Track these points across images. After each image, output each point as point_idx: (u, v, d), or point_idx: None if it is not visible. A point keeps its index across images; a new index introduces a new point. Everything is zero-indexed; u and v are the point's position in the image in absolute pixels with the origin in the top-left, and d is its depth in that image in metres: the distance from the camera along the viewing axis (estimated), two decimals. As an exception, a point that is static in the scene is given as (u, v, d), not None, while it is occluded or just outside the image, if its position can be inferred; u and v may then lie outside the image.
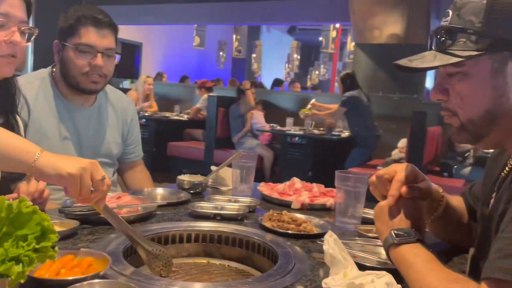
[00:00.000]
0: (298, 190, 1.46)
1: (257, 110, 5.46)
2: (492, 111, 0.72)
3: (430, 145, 3.70)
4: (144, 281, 0.76)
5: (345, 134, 4.79)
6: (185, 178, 1.46)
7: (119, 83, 7.33)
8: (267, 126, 5.27)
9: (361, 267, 0.77)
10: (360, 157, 4.48)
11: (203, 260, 1.06)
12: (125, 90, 5.79)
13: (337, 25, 8.69)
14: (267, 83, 9.54)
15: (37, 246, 0.58)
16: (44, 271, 0.73)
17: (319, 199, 1.40)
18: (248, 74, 12.20)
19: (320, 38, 9.01)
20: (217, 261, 1.06)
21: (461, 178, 3.76)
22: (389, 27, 5.01)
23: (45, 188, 1.14)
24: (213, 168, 1.54)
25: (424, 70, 0.79)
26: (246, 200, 1.31)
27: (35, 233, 0.58)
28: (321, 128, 5.02)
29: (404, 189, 0.83)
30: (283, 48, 13.39)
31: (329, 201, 1.37)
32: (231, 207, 1.21)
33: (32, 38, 1.06)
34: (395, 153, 4.26)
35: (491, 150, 0.90)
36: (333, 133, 4.73)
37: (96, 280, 0.69)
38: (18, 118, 1.20)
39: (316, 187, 1.48)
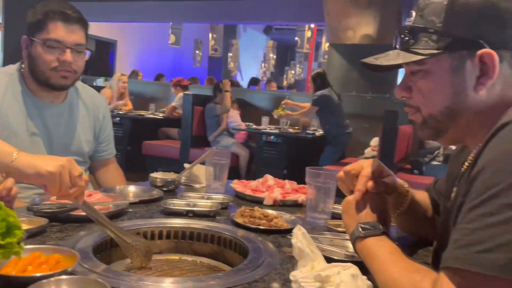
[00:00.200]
0: (271, 187, 1.48)
1: (233, 109, 5.46)
2: (451, 107, 0.75)
3: (402, 144, 3.79)
4: (114, 277, 0.76)
5: (320, 132, 4.86)
6: (157, 175, 1.45)
7: (92, 81, 7.21)
8: (243, 125, 5.29)
9: (330, 260, 0.79)
10: (332, 155, 4.57)
11: (175, 257, 1.06)
12: (99, 88, 5.70)
13: (312, 26, 8.78)
14: (243, 82, 9.55)
15: (1, 242, 0.57)
16: (11, 268, 0.72)
17: (291, 195, 1.42)
18: (225, 73, 12.18)
19: (296, 38, 9.08)
20: (188, 257, 1.06)
21: (431, 176, 3.87)
22: (362, 28, 5.10)
23: (13, 186, 1.12)
24: (186, 165, 1.54)
25: (388, 68, 0.82)
26: (219, 197, 1.32)
27: (0, 229, 0.58)
28: (296, 127, 5.07)
29: (370, 184, 0.85)
30: (259, 47, 13.42)
31: (300, 197, 1.39)
32: (204, 204, 1.21)
33: (-1, 34, 1.04)
34: (368, 152, 4.35)
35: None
36: (308, 131, 4.80)
37: (64, 277, 0.69)
38: None
39: (289, 184, 1.50)
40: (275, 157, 4.67)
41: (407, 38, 0.78)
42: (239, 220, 1.10)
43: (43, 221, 0.98)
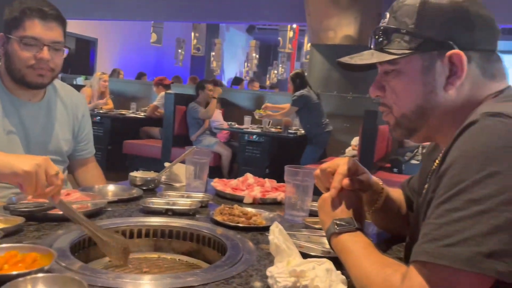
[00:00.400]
0: (251, 185, 1.49)
1: (216, 108, 5.45)
2: (422, 106, 0.78)
3: (381, 143, 3.85)
4: (91, 275, 0.76)
5: (301, 132, 4.90)
6: (137, 174, 1.45)
7: (72, 80, 7.11)
8: (225, 124, 5.29)
9: (306, 256, 0.81)
10: (313, 154, 4.63)
11: (154, 255, 1.06)
12: (79, 87, 5.62)
13: (294, 26, 8.83)
14: (225, 80, 9.55)
15: (-24, 240, 0.57)
16: (-14, 267, 0.71)
17: (270, 193, 1.43)
18: (207, 72, 12.15)
19: (278, 38, 9.12)
20: (167, 256, 1.07)
21: (410, 174, 3.93)
22: (343, 28, 5.15)
23: None
24: (166, 164, 1.54)
25: (363, 67, 0.84)
26: (198, 196, 1.33)
27: (-26, 227, 0.57)
28: (278, 127, 5.11)
29: (345, 181, 0.87)
30: (243, 47, 13.43)
31: (280, 195, 1.41)
32: (183, 203, 1.22)
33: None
34: (349, 151, 4.40)
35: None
36: (290, 131, 4.84)
37: (40, 275, 0.69)
38: None
39: (268, 182, 1.52)
40: (257, 156, 4.69)
41: (381, 38, 0.81)
42: (218, 218, 1.11)
43: (20, 220, 0.97)
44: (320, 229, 1.01)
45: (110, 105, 5.90)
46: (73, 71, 7.84)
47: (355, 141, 4.35)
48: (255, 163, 4.66)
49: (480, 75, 0.76)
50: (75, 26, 8.45)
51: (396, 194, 1.04)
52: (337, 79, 5.16)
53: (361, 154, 3.55)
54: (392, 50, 0.78)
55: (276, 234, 0.80)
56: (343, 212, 0.85)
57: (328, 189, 0.90)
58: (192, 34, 10.35)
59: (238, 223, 1.09)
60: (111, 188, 1.38)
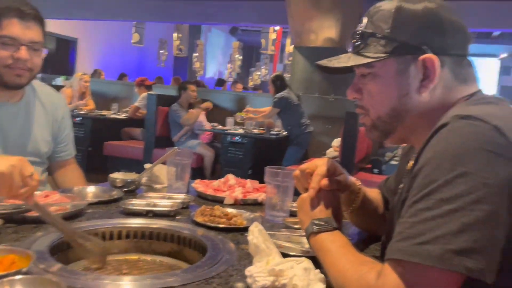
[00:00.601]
0: (232, 186, 1.50)
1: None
2: (397, 108, 0.80)
3: (362, 144, 3.90)
4: (70, 277, 0.76)
5: (284, 133, 4.94)
6: (118, 176, 1.44)
7: (52, 80, 7.01)
8: (208, 125, 5.28)
9: (286, 256, 0.82)
10: (295, 154, 4.69)
11: (134, 257, 1.06)
12: (58, 87, 5.54)
13: (277, 28, 8.87)
14: (211, 82, 9.53)
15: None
16: (-37, 269, 0.71)
17: (251, 194, 1.44)
18: (190, 73, 12.11)
19: (261, 40, 9.16)
20: (148, 257, 1.07)
21: (390, 175, 3.99)
22: (325, 31, 5.21)
23: None
24: (147, 166, 1.53)
25: (341, 70, 0.86)
26: (179, 197, 1.33)
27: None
28: (261, 128, 5.13)
29: (324, 182, 0.89)
30: (226, 48, 13.42)
31: (261, 196, 1.42)
32: (164, 204, 1.22)
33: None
34: (330, 152, 4.45)
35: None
36: (272, 132, 4.86)
37: (18, 277, 0.68)
38: None
39: (250, 183, 1.53)
40: (240, 158, 4.70)
41: (358, 42, 0.83)
42: (199, 219, 1.12)
43: (-3, 222, 0.96)
44: (300, 229, 1.02)
45: (91, 105, 5.83)
46: (52, 71, 7.72)
47: (337, 142, 4.40)
48: (238, 164, 4.67)
49: (452, 78, 0.79)
50: (55, 26, 8.32)
51: (373, 194, 1.06)
52: (319, 81, 5.21)
53: (342, 155, 3.60)
54: (368, 54, 0.80)
55: (256, 234, 0.81)
56: (322, 212, 0.87)
57: (307, 190, 0.92)
58: (175, 35, 10.30)
59: (219, 224, 1.10)
60: (91, 189, 1.37)
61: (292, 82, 5.47)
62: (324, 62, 0.87)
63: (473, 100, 0.77)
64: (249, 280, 0.75)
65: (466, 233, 0.60)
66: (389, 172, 4.26)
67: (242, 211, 1.22)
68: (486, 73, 14.91)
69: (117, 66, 10.27)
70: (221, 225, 1.09)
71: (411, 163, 0.85)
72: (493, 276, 0.61)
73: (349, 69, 0.87)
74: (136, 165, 4.89)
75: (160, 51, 10.78)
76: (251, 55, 15.01)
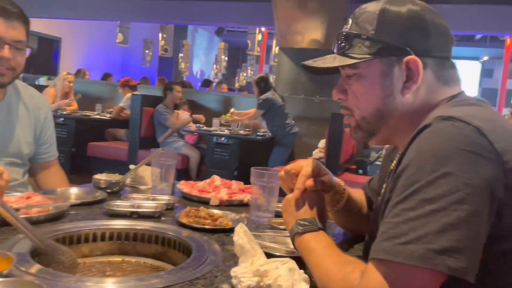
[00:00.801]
0: (218, 187, 1.49)
1: (184, 110, 5.42)
2: (381, 109, 0.81)
3: (347, 145, 3.93)
4: (52, 279, 0.74)
5: (270, 134, 4.95)
6: (101, 177, 1.42)
7: (35, 80, 6.90)
8: (193, 126, 5.26)
9: (271, 256, 0.82)
10: (281, 155, 4.71)
11: (118, 258, 1.05)
12: (41, 87, 5.45)
13: (263, 29, 8.89)
14: (193, 80, 9.50)
15: None
16: None
17: (237, 195, 1.44)
18: (176, 74, 12.05)
19: (247, 41, 9.16)
20: (132, 259, 1.06)
21: (375, 175, 4.04)
22: (310, 32, 5.24)
23: None
24: (131, 167, 1.52)
25: (326, 71, 0.87)
26: (164, 198, 1.32)
27: None
28: (247, 129, 5.13)
29: (308, 182, 0.89)
30: (210, 49, 13.39)
31: (246, 197, 1.42)
32: (149, 205, 1.21)
33: None
34: (316, 153, 4.47)
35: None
36: (258, 133, 4.87)
37: (-2, 279, 0.67)
38: None
39: (235, 184, 1.52)
40: (226, 159, 4.69)
41: (343, 43, 0.84)
42: (184, 220, 1.11)
43: (-23, 224, 0.93)
44: (285, 229, 1.03)
45: (75, 106, 5.75)
46: (35, 71, 7.61)
47: (322, 143, 4.43)
48: (223, 165, 4.66)
49: (435, 80, 0.80)
50: (37, 25, 8.19)
51: (358, 194, 1.07)
52: (305, 82, 5.24)
53: (327, 156, 3.62)
54: (353, 55, 0.81)
55: (241, 235, 0.81)
56: (306, 213, 0.87)
57: (292, 190, 0.92)
58: (160, 35, 10.23)
59: (204, 225, 1.10)
60: (74, 191, 1.35)
61: (278, 83, 5.49)
62: (310, 62, 0.88)
63: (455, 101, 0.79)
64: (234, 281, 0.75)
65: (448, 232, 0.61)
66: (374, 172, 4.29)
67: (228, 212, 1.22)
68: (468, 75, 15.17)
69: (101, 66, 10.16)
70: (206, 226, 1.09)
71: (394, 163, 0.86)
72: (475, 275, 0.62)
73: (334, 70, 0.88)
74: (120, 166, 4.83)
75: (145, 51, 10.70)
76: (237, 56, 15.02)
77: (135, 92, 5.42)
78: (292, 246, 0.90)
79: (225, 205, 1.38)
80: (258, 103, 4.73)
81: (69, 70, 6.77)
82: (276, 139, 4.79)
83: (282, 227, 1.10)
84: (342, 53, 0.83)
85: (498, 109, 10.44)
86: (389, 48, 0.79)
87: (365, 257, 0.85)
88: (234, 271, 0.75)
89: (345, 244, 1.04)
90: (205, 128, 5.27)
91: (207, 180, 1.54)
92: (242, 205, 1.40)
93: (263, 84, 4.80)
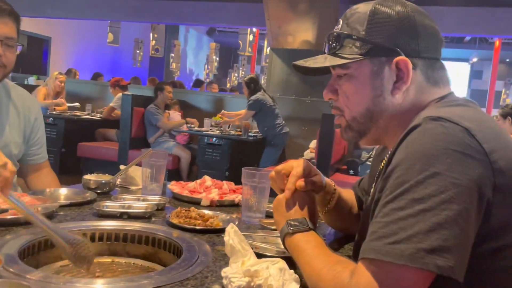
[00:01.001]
0: (208, 188, 1.49)
1: (174, 110, 5.40)
2: (371, 109, 0.82)
3: (338, 145, 3.95)
4: (41, 280, 0.74)
5: (261, 135, 4.95)
6: (91, 177, 1.41)
7: (24, 79, 6.83)
8: (184, 127, 5.25)
9: (261, 257, 0.82)
10: (272, 155, 4.72)
11: (108, 259, 1.04)
12: (30, 87, 5.41)
13: (254, 29, 8.89)
14: (188, 82, 9.47)
15: None
16: None
17: (228, 195, 1.44)
18: (167, 74, 12.01)
19: (239, 41, 9.15)
20: (122, 260, 1.05)
21: (365, 175, 4.06)
22: (302, 33, 5.25)
23: None
24: (121, 167, 1.51)
25: (317, 71, 0.87)
26: (154, 199, 1.31)
27: None
28: (238, 129, 5.13)
29: (299, 183, 0.90)
30: (203, 49, 13.36)
31: (237, 198, 1.41)
32: (139, 206, 1.20)
33: None
34: (307, 153, 4.49)
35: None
36: (250, 134, 4.87)
37: (-15, 281, 0.66)
38: None
39: (226, 185, 1.52)
40: (217, 159, 4.68)
41: (334, 44, 0.84)
42: (175, 221, 1.10)
43: (-36, 225, 0.92)
44: (276, 230, 1.03)
45: (65, 106, 5.71)
46: (24, 71, 7.54)
47: (313, 144, 4.44)
48: (215, 166, 4.65)
49: (424, 81, 0.81)
50: (27, 24, 8.10)
51: (348, 194, 1.08)
52: (296, 83, 5.25)
53: (318, 156, 3.63)
54: (344, 55, 0.82)
55: (232, 235, 0.81)
56: (297, 213, 0.87)
57: (283, 191, 0.92)
58: (151, 34, 10.18)
59: (194, 225, 1.09)
60: (63, 191, 1.34)
61: (269, 84, 5.50)
62: (301, 62, 0.88)
63: (444, 102, 0.79)
64: (224, 281, 0.74)
65: (437, 232, 0.61)
66: (365, 173, 4.32)
67: (218, 212, 1.21)
68: (458, 77, 15.33)
69: (91, 66, 10.09)
70: (197, 227, 1.08)
71: (384, 163, 0.86)
72: (463, 274, 0.62)
73: (325, 70, 0.88)
74: (111, 167, 4.82)
75: (136, 51, 10.64)
76: (229, 56, 15.01)
77: (125, 92, 5.39)
78: (282, 246, 0.90)
79: (216, 205, 1.38)
80: (248, 104, 4.75)
81: (59, 70, 6.72)
82: (267, 139, 4.80)
83: (273, 227, 1.10)
84: (333, 53, 0.84)
85: (487, 110, 10.57)
86: (379, 49, 0.80)
87: (355, 256, 0.86)
88: (224, 272, 0.75)
89: (336, 244, 1.05)
90: (196, 128, 5.26)
91: (198, 181, 1.53)
92: (233, 206, 1.40)
93: (253, 85, 4.81)
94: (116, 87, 5.68)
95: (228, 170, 4.62)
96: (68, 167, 4.96)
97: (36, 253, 0.94)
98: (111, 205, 1.17)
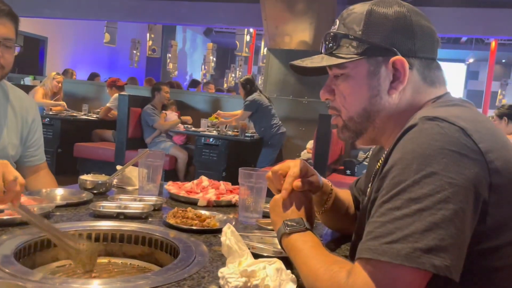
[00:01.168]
0: (205, 188, 1.49)
1: (171, 110, 5.39)
2: (368, 109, 0.82)
3: (335, 146, 3.95)
4: (37, 281, 0.73)
5: (258, 135, 4.95)
6: (87, 177, 1.41)
7: (20, 80, 6.80)
8: (181, 127, 5.24)
9: (258, 257, 0.82)
10: (269, 156, 4.73)
11: (104, 260, 1.04)
12: (26, 87, 5.38)
13: (251, 30, 8.89)
14: (184, 83, 9.46)
15: None
16: None
17: (225, 196, 1.44)
18: (164, 74, 11.99)
19: (236, 42, 9.15)
20: (118, 260, 1.05)
21: (361, 175, 4.07)
22: (299, 34, 5.26)
23: None
24: (118, 167, 1.51)
25: (314, 71, 0.87)
26: (151, 199, 1.31)
27: None
28: (235, 130, 5.12)
29: (296, 183, 0.89)
30: (200, 49, 13.35)
31: (234, 198, 1.41)
32: (135, 206, 1.20)
33: None
34: (304, 154, 4.49)
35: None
36: (247, 134, 4.87)
37: (-19, 282, 0.66)
38: None
39: (223, 185, 1.52)
40: (214, 160, 4.68)
41: (330, 44, 0.84)
42: (171, 221, 1.10)
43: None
44: (273, 230, 1.03)
45: (61, 107, 5.69)
46: (20, 71, 7.50)
47: (310, 144, 4.45)
48: (212, 166, 4.65)
49: (420, 81, 0.81)
50: (23, 24, 8.02)
51: (345, 194, 1.08)
52: (293, 84, 5.25)
53: (315, 157, 3.63)
54: (340, 55, 0.82)
55: (228, 235, 0.81)
56: (294, 213, 0.87)
57: (279, 191, 0.92)
58: (148, 35, 10.16)
59: (191, 225, 1.09)
60: (59, 192, 1.34)
61: (266, 85, 5.50)
62: (298, 62, 0.88)
63: (440, 102, 0.80)
64: (221, 282, 0.74)
65: (433, 231, 0.61)
66: (362, 173, 4.34)
67: (215, 213, 1.21)
68: (454, 78, 15.38)
69: (88, 66, 10.06)
70: (193, 227, 1.08)
71: (379, 163, 0.86)
72: (460, 273, 0.62)
73: (322, 71, 0.88)
74: (107, 167, 4.81)
75: (133, 51, 10.62)
76: (226, 57, 15.00)
77: (122, 93, 5.38)
78: (279, 247, 0.90)
79: (213, 205, 1.38)
80: (245, 104, 4.76)
81: (55, 70, 6.70)
82: (264, 139, 4.80)
83: (269, 227, 1.10)
84: (330, 53, 0.84)
85: (483, 111, 10.60)
86: (376, 49, 0.80)
87: (352, 257, 0.86)
88: (221, 272, 0.75)
89: (333, 244, 1.05)
90: (193, 129, 5.25)
91: (195, 181, 1.53)
92: (230, 206, 1.40)
93: (249, 86, 4.82)
94: (113, 87, 5.66)
95: (225, 170, 4.61)
96: (65, 168, 4.94)
97: (32, 254, 0.94)
98: (107, 206, 1.17)
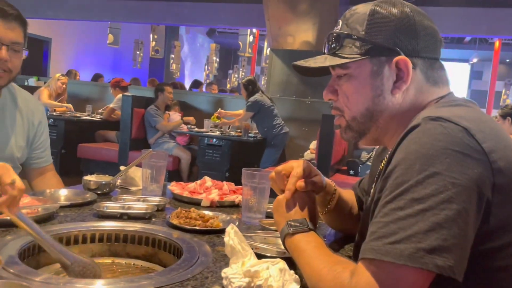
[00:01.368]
0: (209, 189, 1.49)
1: (175, 111, 5.40)
2: (371, 109, 0.82)
3: (338, 146, 3.95)
4: (41, 281, 0.74)
5: (261, 135, 4.95)
6: (91, 178, 1.41)
7: (24, 81, 6.83)
8: (184, 128, 5.25)
9: (261, 257, 0.82)
10: (272, 156, 4.73)
11: (108, 260, 1.04)
12: (30, 88, 5.41)
13: (254, 30, 8.89)
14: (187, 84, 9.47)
15: None
16: None
17: (228, 196, 1.44)
18: (167, 75, 12.01)
19: (239, 42, 9.15)
20: (122, 260, 1.05)
21: (365, 176, 4.06)
22: (302, 34, 5.26)
23: None
24: (122, 168, 1.51)
25: (317, 72, 0.87)
26: (155, 199, 1.31)
27: None
28: (238, 130, 5.13)
29: (299, 183, 0.90)
30: (203, 50, 13.37)
31: (238, 198, 1.42)
32: (139, 207, 1.20)
33: None
34: (307, 154, 4.49)
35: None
36: (250, 134, 4.87)
37: (-15, 282, 0.66)
38: None
39: (226, 185, 1.52)
40: (217, 160, 4.68)
41: (333, 44, 0.85)
42: (175, 222, 1.10)
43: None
44: (276, 230, 1.03)
45: (64, 108, 5.71)
46: (24, 72, 7.53)
47: (314, 144, 4.45)
48: (215, 166, 4.65)
49: (424, 80, 0.81)
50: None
51: (348, 195, 1.08)
52: (296, 84, 5.25)
53: (318, 157, 3.63)
54: (344, 55, 0.82)
55: (232, 236, 0.81)
56: (297, 213, 0.87)
57: (283, 191, 0.92)
58: (151, 36, 10.18)
59: (194, 226, 1.09)
60: (63, 192, 1.34)
61: (269, 85, 5.50)
62: (301, 63, 0.88)
63: (443, 102, 0.80)
64: (224, 282, 0.74)
65: (437, 231, 0.61)
66: (365, 173, 4.33)
67: (218, 213, 1.22)
68: (458, 78, 15.33)
69: (91, 67, 10.10)
70: (197, 228, 1.09)
71: (383, 163, 0.86)
72: (463, 274, 0.62)
73: (324, 71, 0.88)
74: (111, 168, 4.83)
75: (136, 52, 10.63)
76: (229, 57, 15.01)
77: (126, 93, 5.39)
78: (283, 247, 0.90)
79: (216, 206, 1.38)
80: (247, 105, 4.77)
81: (59, 71, 6.73)
82: (267, 140, 4.81)
83: (273, 228, 1.10)
84: (333, 53, 0.84)
85: (487, 111, 10.57)
86: (379, 48, 0.80)
87: (355, 257, 0.86)
88: (224, 272, 0.75)
89: (336, 245, 1.05)
90: (196, 129, 5.26)
91: (198, 182, 1.54)
92: (233, 206, 1.40)
93: (251, 87, 4.84)
94: (117, 88, 5.68)
95: (228, 170, 4.62)
96: (68, 168, 4.96)
97: (37, 254, 0.94)
98: (111, 206, 1.18)
